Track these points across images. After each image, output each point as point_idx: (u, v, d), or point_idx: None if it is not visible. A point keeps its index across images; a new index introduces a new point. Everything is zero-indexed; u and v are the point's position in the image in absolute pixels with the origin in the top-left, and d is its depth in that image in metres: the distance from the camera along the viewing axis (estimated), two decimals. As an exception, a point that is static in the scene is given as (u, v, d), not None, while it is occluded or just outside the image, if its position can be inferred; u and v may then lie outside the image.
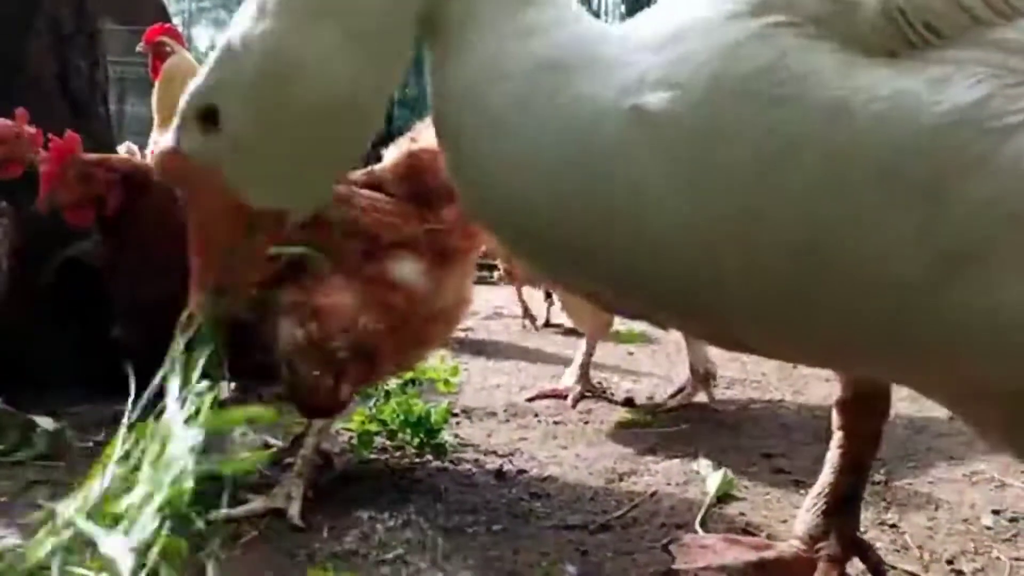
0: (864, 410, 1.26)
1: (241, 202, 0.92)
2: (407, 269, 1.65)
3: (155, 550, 0.68)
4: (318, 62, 0.88)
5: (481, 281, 4.45)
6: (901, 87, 0.80)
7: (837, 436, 1.28)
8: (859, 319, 0.84)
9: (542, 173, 0.86)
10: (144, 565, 0.68)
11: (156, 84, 4.15)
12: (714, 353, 2.48)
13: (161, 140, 0.97)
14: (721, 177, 0.82)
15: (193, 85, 0.92)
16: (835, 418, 1.28)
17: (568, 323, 3.92)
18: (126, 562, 0.67)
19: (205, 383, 0.84)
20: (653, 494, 1.66)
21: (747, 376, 2.84)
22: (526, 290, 3.98)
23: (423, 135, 1.72)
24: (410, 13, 0.92)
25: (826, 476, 1.28)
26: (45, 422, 1.78)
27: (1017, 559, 1.41)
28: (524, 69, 0.89)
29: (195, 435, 0.76)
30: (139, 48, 4.10)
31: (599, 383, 2.59)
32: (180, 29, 4.20)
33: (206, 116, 0.90)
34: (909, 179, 0.78)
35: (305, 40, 0.89)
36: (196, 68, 4.27)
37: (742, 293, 0.86)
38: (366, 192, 1.71)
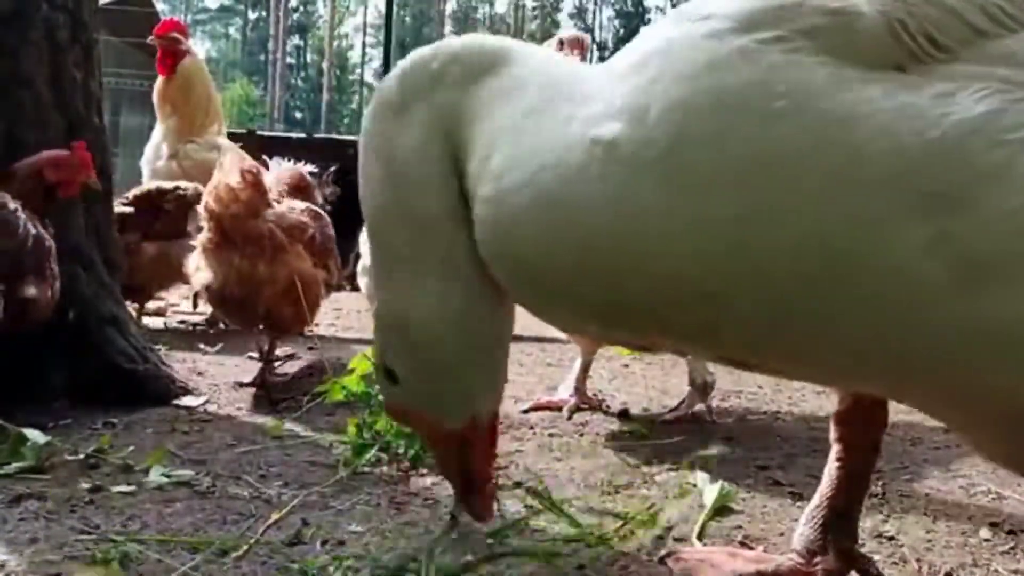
0: (863, 422, 1.25)
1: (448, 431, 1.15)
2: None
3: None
4: (410, 308, 1.08)
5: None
6: (905, 100, 0.79)
7: (835, 449, 1.27)
8: (871, 332, 0.83)
9: (531, 205, 0.92)
10: None
11: (158, 82, 4.17)
12: (710, 365, 2.47)
13: None
14: (706, 189, 0.82)
15: (376, 347, 1.18)
16: (833, 430, 1.27)
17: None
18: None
19: None
20: (650, 507, 1.65)
21: (742, 388, 2.83)
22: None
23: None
24: (439, 222, 1.05)
25: (824, 489, 1.27)
26: (34, 435, 1.76)
27: (1016, 571, 1.40)
28: (509, 126, 0.97)
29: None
30: (149, 40, 4.15)
31: (595, 395, 2.57)
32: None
33: (388, 374, 1.15)
34: (918, 190, 0.78)
35: (394, 296, 1.10)
36: (205, 69, 4.34)
37: (738, 305, 0.86)
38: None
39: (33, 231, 1.94)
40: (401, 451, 1.85)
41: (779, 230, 0.81)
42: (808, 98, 0.80)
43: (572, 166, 0.88)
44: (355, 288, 3.99)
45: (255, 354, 2.85)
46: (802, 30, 0.82)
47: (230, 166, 2.46)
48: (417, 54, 1.10)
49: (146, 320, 3.50)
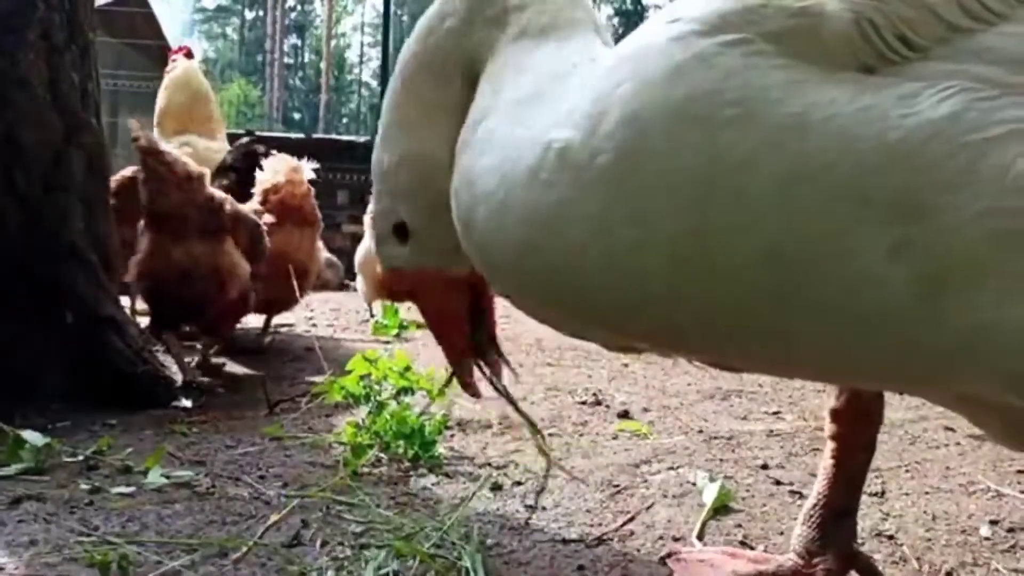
0: (858, 418, 1.24)
1: (459, 284, 1.11)
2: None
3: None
4: (420, 156, 1.08)
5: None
6: (866, 103, 0.76)
7: (830, 446, 1.26)
8: (832, 341, 0.81)
9: (489, 197, 0.92)
10: None
11: (162, 89, 4.25)
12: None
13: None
14: (650, 205, 0.81)
15: (372, 210, 1.16)
16: (828, 427, 1.27)
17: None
18: None
19: None
20: (650, 506, 1.65)
21: (743, 387, 2.83)
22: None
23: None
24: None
25: (821, 487, 1.27)
26: (33, 436, 1.76)
27: (1016, 570, 1.40)
28: (501, 106, 0.96)
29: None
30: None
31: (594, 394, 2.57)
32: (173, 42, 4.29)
33: (397, 232, 1.11)
34: (878, 197, 0.75)
35: (421, 142, 1.08)
36: (201, 76, 4.42)
37: (688, 318, 0.85)
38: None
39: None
40: (401, 451, 1.85)
41: (725, 247, 0.78)
42: (761, 104, 0.77)
43: (527, 167, 0.88)
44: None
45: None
46: (768, 33, 0.79)
47: (288, 163, 3.20)
48: None
49: (144, 321, 3.49)
